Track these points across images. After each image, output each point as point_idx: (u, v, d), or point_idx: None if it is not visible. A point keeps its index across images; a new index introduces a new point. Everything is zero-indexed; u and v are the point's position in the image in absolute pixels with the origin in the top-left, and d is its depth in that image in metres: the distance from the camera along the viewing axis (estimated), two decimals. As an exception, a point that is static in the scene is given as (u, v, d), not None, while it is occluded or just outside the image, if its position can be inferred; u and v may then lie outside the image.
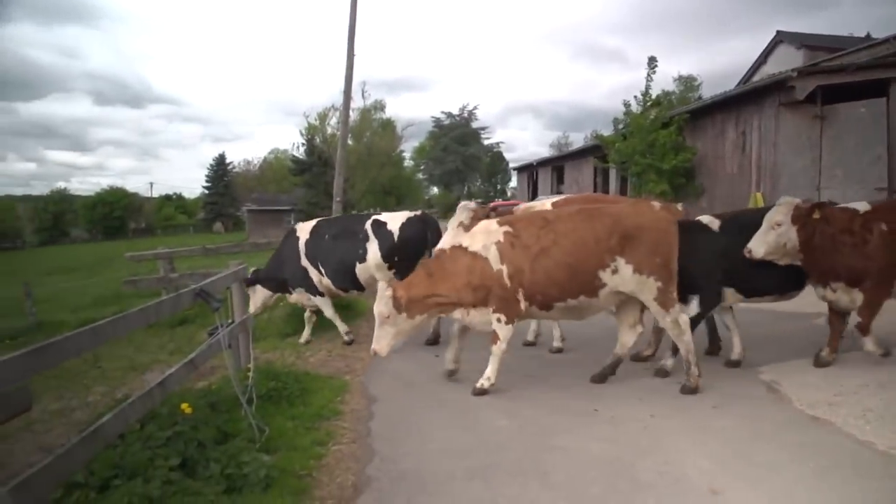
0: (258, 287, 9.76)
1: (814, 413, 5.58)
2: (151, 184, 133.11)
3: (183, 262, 17.48)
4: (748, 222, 6.92)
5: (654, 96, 23.95)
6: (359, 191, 55.48)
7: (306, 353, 9.04)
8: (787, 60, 28.37)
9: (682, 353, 6.51)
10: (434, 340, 8.87)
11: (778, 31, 34.40)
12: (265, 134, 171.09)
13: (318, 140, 55.40)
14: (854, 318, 6.74)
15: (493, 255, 6.56)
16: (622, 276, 6.46)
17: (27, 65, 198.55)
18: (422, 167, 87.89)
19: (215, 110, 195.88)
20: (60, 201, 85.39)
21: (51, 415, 7.36)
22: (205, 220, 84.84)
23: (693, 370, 6.39)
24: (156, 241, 45.84)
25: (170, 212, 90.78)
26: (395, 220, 9.14)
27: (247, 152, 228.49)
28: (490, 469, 4.81)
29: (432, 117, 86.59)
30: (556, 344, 8.34)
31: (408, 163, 79.84)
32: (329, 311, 9.60)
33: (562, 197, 10.27)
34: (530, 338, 8.71)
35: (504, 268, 6.52)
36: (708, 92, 42.97)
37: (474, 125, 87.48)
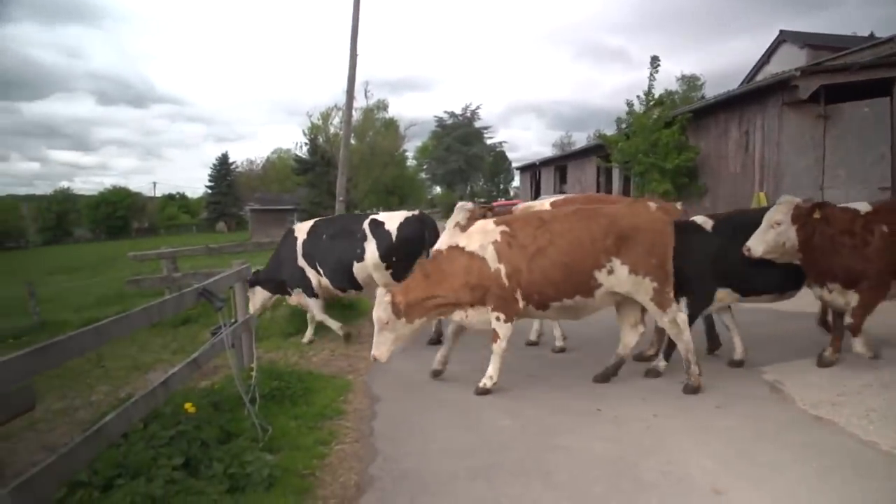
0: (257, 288, 9.77)
1: (817, 413, 5.57)
2: (154, 183, 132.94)
3: (186, 262, 17.51)
4: (742, 222, 6.97)
5: (656, 96, 23.91)
6: (362, 190, 55.49)
7: (309, 353, 9.05)
8: (791, 60, 28.30)
9: (682, 352, 6.51)
10: (437, 340, 8.86)
11: (781, 31, 34.33)
12: (268, 133, 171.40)
13: (320, 140, 55.43)
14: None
15: (490, 255, 6.58)
16: (618, 277, 6.48)
17: (30, 65, 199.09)
18: (424, 167, 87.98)
19: (218, 110, 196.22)
20: (64, 201, 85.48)
21: (54, 414, 7.37)
22: (208, 219, 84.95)
23: (693, 369, 6.39)
24: (159, 241, 45.96)
25: (173, 211, 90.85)
26: (392, 220, 9.15)
27: (250, 152, 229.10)
28: (493, 469, 4.81)
29: (435, 117, 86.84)
30: (559, 343, 8.34)
31: (410, 162, 79.88)
32: (319, 314, 9.64)
33: (560, 197, 10.28)
34: (533, 338, 8.72)
35: (502, 267, 6.54)
36: (711, 91, 42.98)
37: (477, 125, 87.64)
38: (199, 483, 4.21)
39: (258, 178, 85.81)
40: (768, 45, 35.08)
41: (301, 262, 9.51)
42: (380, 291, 6.65)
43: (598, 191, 30.49)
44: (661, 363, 7.01)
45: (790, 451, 4.82)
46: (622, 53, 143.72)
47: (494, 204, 25.76)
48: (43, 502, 3.23)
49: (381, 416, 6.19)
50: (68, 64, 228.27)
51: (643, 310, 6.81)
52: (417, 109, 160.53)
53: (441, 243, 7.02)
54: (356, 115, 47.14)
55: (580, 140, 77.38)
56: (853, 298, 6.46)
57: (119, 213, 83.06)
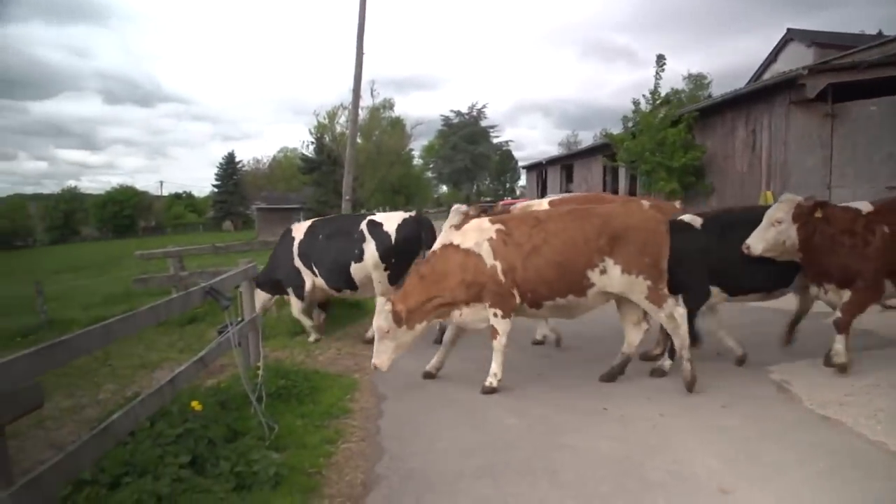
0: (257, 290, 9.79)
1: (824, 413, 5.55)
2: (161, 182, 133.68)
3: (193, 261, 17.52)
4: (731, 221, 7.01)
5: (663, 95, 23.86)
6: (368, 189, 55.50)
7: (315, 352, 9.06)
8: (798, 58, 28.24)
9: (676, 346, 6.54)
10: (442, 339, 8.89)
11: (788, 29, 34.25)
12: (274, 132, 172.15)
13: (327, 139, 55.45)
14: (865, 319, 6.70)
15: (485, 252, 6.63)
16: (610, 277, 6.50)
17: (37, 64, 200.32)
18: (431, 166, 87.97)
19: (225, 109, 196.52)
20: (71, 200, 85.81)
21: (62, 412, 7.39)
22: (214, 218, 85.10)
23: (686, 365, 6.39)
24: (165, 240, 46.01)
25: (179, 210, 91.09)
26: (391, 221, 9.18)
27: (256, 151, 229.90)
28: (499, 468, 4.82)
29: (441, 116, 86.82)
30: (538, 337, 8.63)
31: (417, 161, 79.86)
32: (296, 313, 9.74)
33: (559, 196, 10.29)
34: (539, 337, 8.72)
35: (498, 264, 6.59)
36: (718, 90, 42.89)
37: (483, 124, 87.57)
38: (205, 481, 4.22)
39: (264, 177, 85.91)
40: (775, 43, 35.03)
41: (297, 262, 9.54)
42: (380, 300, 6.67)
43: (604, 190, 30.43)
44: (666, 362, 7.00)
45: (797, 450, 4.81)
46: (628, 52, 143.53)
47: (501, 203, 25.76)
48: (50, 500, 3.25)
49: (388, 415, 6.20)
50: (75, 63, 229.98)
51: None
52: (423, 108, 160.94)
53: (437, 245, 7.06)
54: (362, 114, 47.22)
55: (586, 139, 77.32)
56: (847, 297, 6.39)
57: (126, 212, 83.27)
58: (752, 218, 6.73)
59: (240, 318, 6.54)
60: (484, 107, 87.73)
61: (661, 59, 23.01)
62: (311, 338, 9.75)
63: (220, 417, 5.23)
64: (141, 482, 3.97)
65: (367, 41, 19.32)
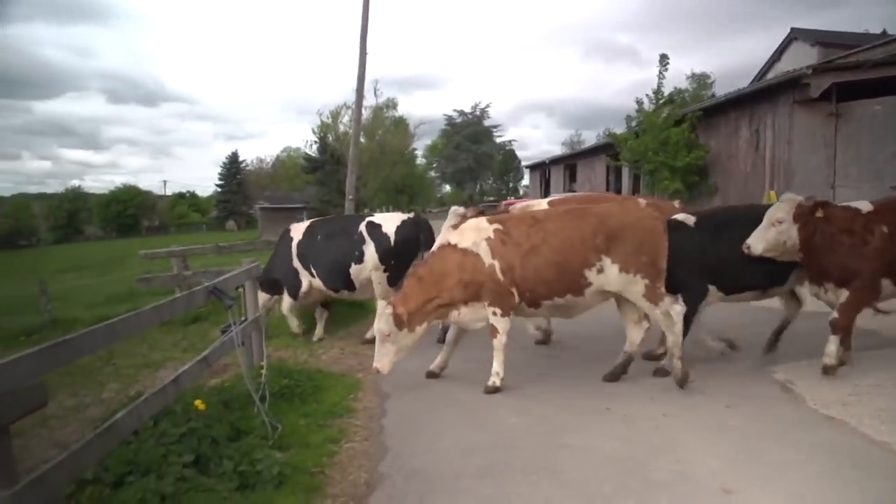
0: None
1: (828, 413, 5.54)
2: (165, 182, 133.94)
3: (196, 260, 17.54)
4: (725, 219, 7.04)
5: (666, 94, 23.84)
6: (371, 189, 55.47)
7: (319, 351, 9.07)
8: (802, 58, 28.18)
9: (669, 343, 6.55)
10: (444, 338, 8.90)
11: (792, 29, 34.22)
12: (278, 132, 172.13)
13: (330, 138, 55.39)
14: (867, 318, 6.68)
15: (483, 251, 6.65)
16: (608, 276, 6.52)
17: (41, 64, 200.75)
18: (434, 165, 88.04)
19: (228, 109, 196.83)
20: (75, 199, 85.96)
21: (66, 411, 7.41)
22: (218, 218, 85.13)
23: (676, 363, 6.41)
24: (169, 239, 46.12)
25: (183, 210, 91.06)
26: (390, 223, 9.19)
27: (259, 150, 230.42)
28: (502, 467, 4.81)
29: (444, 115, 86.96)
30: (532, 331, 8.69)
31: (420, 161, 79.84)
32: (285, 309, 9.78)
33: (560, 196, 10.29)
34: (541, 336, 8.71)
35: (496, 263, 6.60)
36: (721, 90, 42.69)
37: (486, 123, 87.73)
38: (209, 480, 4.23)
39: (268, 177, 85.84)
40: (779, 42, 35.01)
41: (296, 262, 9.56)
42: (380, 304, 6.67)
43: (607, 189, 30.41)
44: (668, 362, 6.99)
45: (800, 450, 4.80)
46: (632, 51, 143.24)
47: (504, 202, 25.74)
48: (54, 499, 3.25)
49: (391, 414, 6.20)
50: (79, 63, 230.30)
51: None
52: (427, 108, 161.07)
53: (435, 245, 7.09)
54: (366, 114, 47.06)
55: (590, 138, 77.27)
56: (844, 297, 6.34)
57: (129, 212, 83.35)
58: (746, 216, 6.77)
59: (243, 318, 6.55)
60: (487, 106, 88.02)
61: (664, 59, 23.04)
62: (315, 337, 9.76)
63: (224, 417, 5.23)
64: (144, 481, 3.98)
65: (370, 41, 19.33)
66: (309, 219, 10.91)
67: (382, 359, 6.61)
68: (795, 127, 17.16)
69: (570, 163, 40.70)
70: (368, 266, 9.01)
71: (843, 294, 6.32)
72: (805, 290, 7.10)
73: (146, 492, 3.87)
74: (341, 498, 4.50)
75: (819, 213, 6.29)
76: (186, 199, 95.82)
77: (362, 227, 9.18)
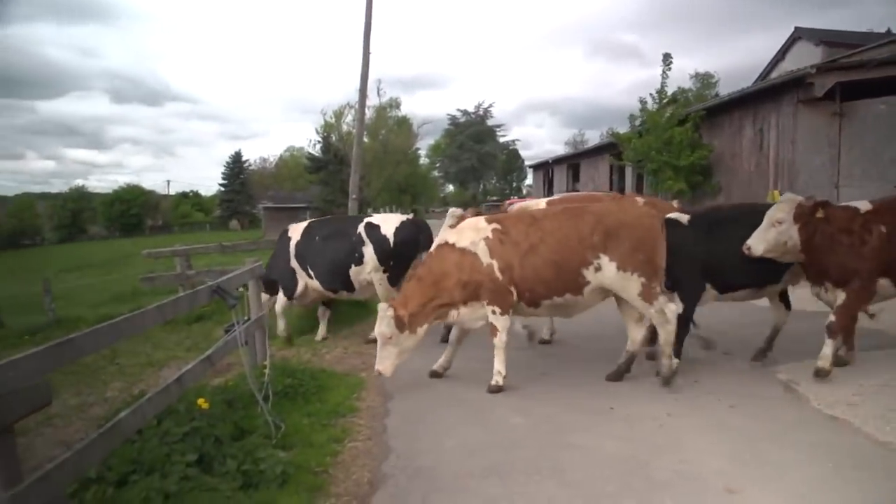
0: None
1: (832, 413, 5.54)
2: (168, 181, 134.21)
3: (200, 260, 17.59)
4: (719, 218, 7.09)
5: (669, 93, 23.79)
6: (374, 188, 55.39)
7: (322, 350, 9.08)
8: (806, 57, 28.13)
9: (661, 340, 6.58)
10: (447, 337, 8.90)
11: (796, 28, 34.16)
12: (281, 132, 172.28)
13: (333, 138, 55.33)
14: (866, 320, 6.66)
15: (481, 250, 6.66)
16: (605, 274, 6.52)
17: (45, 64, 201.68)
18: (437, 165, 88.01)
19: (232, 108, 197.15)
20: (79, 199, 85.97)
21: (70, 410, 7.43)
22: (221, 217, 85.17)
23: (666, 361, 6.47)
24: (172, 239, 46.19)
25: (186, 209, 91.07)
26: (388, 224, 9.20)
27: (263, 150, 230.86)
28: (505, 467, 4.81)
29: (448, 115, 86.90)
30: (521, 329, 8.64)
31: (423, 160, 79.74)
32: (278, 309, 9.73)
33: (559, 196, 10.30)
34: (545, 336, 8.71)
35: (494, 262, 6.61)
36: (725, 89, 42.74)
37: (490, 123, 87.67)
38: (212, 479, 4.23)
39: (271, 176, 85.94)
40: (783, 42, 34.96)
41: (293, 262, 9.56)
42: (381, 306, 6.67)
43: (610, 189, 30.38)
44: (673, 361, 6.97)
45: (804, 450, 4.80)
46: (635, 51, 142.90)
47: (507, 202, 25.75)
48: (59, 497, 3.26)
49: (394, 414, 6.20)
50: (83, 63, 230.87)
51: None
52: (430, 107, 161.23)
53: (433, 246, 7.11)
54: (369, 114, 47.07)
55: (593, 138, 77.29)
56: (840, 299, 6.32)
57: (133, 211, 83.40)
58: (740, 215, 6.82)
59: (246, 317, 6.56)
60: (490, 106, 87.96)
61: (667, 58, 22.96)
62: (318, 337, 9.78)
63: (227, 416, 5.24)
64: (148, 480, 3.98)
65: (373, 40, 19.24)
66: (311, 218, 10.92)
67: (384, 361, 6.61)
68: (799, 126, 17.11)
69: (573, 162, 40.67)
70: (368, 267, 9.02)
71: (840, 296, 6.29)
72: (800, 292, 7.10)
73: (150, 490, 3.88)
74: (345, 497, 4.50)
75: (819, 214, 6.25)
76: (190, 199, 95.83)
77: (361, 229, 9.18)
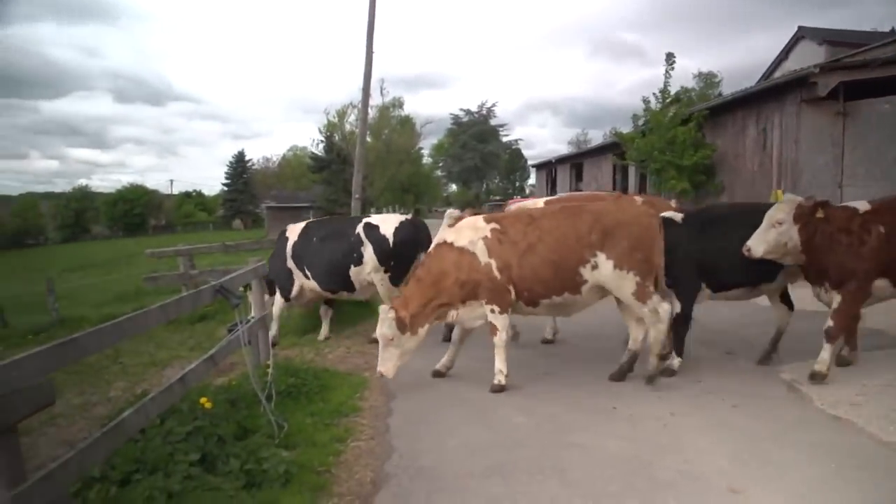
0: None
1: (835, 413, 5.52)
2: (171, 181, 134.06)
3: (203, 259, 17.64)
4: (712, 217, 7.12)
5: (673, 93, 23.74)
6: (377, 188, 55.41)
7: (325, 350, 9.08)
8: (809, 56, 28.07)
9: (651, 339, 6.61)
10: (450, 337, 8.90)
11: (800, 27, 34.05)
12: (284, 131, 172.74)
13: (336, 137, 55.35)
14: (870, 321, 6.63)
15: (480, 250, 6.68)
16: (602, 272, 6.55)
17: (49, 64, 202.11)
18: (440, 164, 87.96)
19: (235, 108, 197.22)
20: (82, 198, 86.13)
21: (73, 409, 7.45)
22: (224, 217, 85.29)
23: (652, 360, 6.54)
24: (176, 238, 46.26)
25: (189, 209, 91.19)
26: (388, 224, 9.22)
27: (266, 149, 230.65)
28: (508, 466, 4.81)
29: (451, 114, 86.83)
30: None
31: (426, 160, 79.68)
32: (275, 310, 9.72)
33: (556, 197, 10.29)
34: (548, 335, 8.71)
35: (493, 262, 6.63)
36: (728, 88, 42.63)
37: (493, 122, 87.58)
38: (215, 479, 4.24)
39: (274, 176, 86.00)
40: (787, 41, 34.84)
41: (290, 263, 9.57)
42: (382, 308, 6.67)
43: (613, 188, 30.33)
44: (675, 360, 6.98)
45: (807, 450, 4.79)
46: (638, 50, 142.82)
47: (510, 202, 25.73)
48: (62, 497, 3.26)
49: (397, 414, 6.20)
50: (86, 63, 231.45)
51: None
52: (433, 107, 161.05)
53: (432, 245, 7.14)
54: (372, 113, 47.11)
55: (596, 137, 77.16)
56: (836, 302, 6.26)
57: (136, 211, 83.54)
58: (733, 214, 6.86)
59: (249, 317, 6.57)
60: (493, 105, 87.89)
61: (670, 58, 22.91)
62: (321, 336, 9.79)
63: (230, 415, 5.25)
64: (151, 479, 3.99)
65: (376, 40, 19.26)
66: (314, 218, 10.94)
67: (387, 363, 6.62)
68: (803, 126, 17.07)
69: (576, 162, 40.59)
70: (368, 267, 9.03)
71: (836, 299, 6.25)
72: (800, 292, 7.09)
73: (153, 490, 3.89)
74: (347, 497, 4.51)
75: (820, 214, 6.21)
76: (193, 199, 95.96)
77: (360, 229, 9.20)
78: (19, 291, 20.91)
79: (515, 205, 9.83)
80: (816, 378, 6.23)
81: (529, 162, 79.58)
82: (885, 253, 6.12)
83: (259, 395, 5.41)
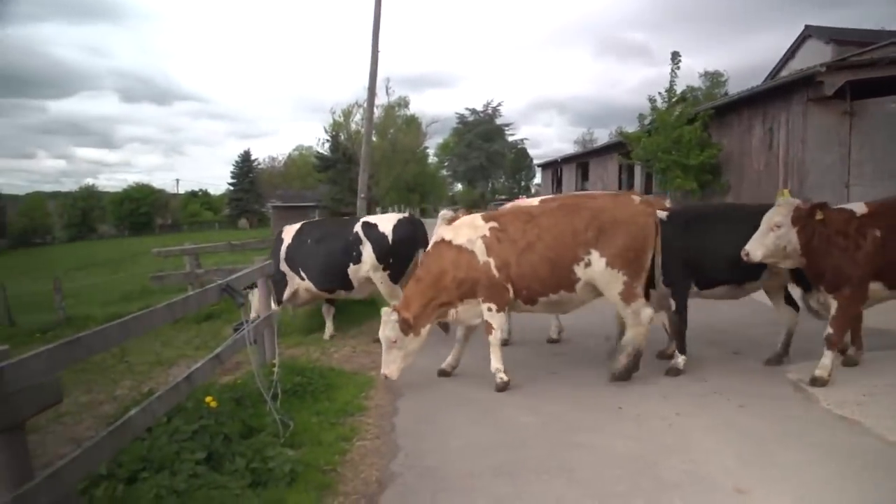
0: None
1: (841, 413, 5.51)
2: (178, 180, 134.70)
3: (209, 258, 17.68)
4: (696, 214, 7.22)
5: (678, 92, 23.71)
6: (383, 187, 55.44)
7: (331, 349, 9.09)
8: (816, 55, 27.98)
9: (627, 338, 6.65)
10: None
11: (806, 26, 33.95)
12: (290, 130, 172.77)
13: (342, 136, 55.35)
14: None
15: (478, 248, 6.70)
16: (594, 269, 6.58)
17: (55, 63, 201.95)
18: (446, 164, 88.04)
19: (241, 107, 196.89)
20: (89, 198, 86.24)
21: (80, 408, 7.47)
22: (230, 216, 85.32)
23: (623, 358, 6.60)
24: (182, 237, 46.30)
25: (195, 208, 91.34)
26: (386, 222, 9.25)
27: (272, 149, 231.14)
28: (514, 466, 4.81)
29: (456, 114, 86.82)
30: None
31: (432, 159, 79.80)
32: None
33: (552, 196, 10.30)
34: (554, 335, 8.70)
35: (491, 260, 6.65)
36: (735, 88, 42.46)
37: (498, 121, 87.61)
38: (221, 477, 4.25)
39: (280, 175, 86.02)
40: (793, 40, 34.76)
41: (283, 265, 9.58)
42: (385, 310, 6.68)
43: (619, 188, 30.31)
44: (679, 360, 6.96)
45: (814, 451, 4.78)
46: (644, 49, 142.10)
47: (516, 200, 25.71)
48: (69, 494, 3.28)
49: (403, 413, 6.21)
50: (93, 62, 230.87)
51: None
52: (439, 106, 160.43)
53: (430, 244, 7.15)
54: (378, 112, 47.04)
55: (602, 137, 76.99)
56: (833, 308, 6.23)
57: (143, 210, 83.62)
58: (717, 212, 7.01)
59: (256, 316, 6.58)
60: (499, 104, 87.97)
61: (676, 57, 22.89)
62: (326, 335, 9.81)
63: (236, 414, 5.26)
64: (158, 477, 4.01)
65: (382, 39, 19.34)
66: (321, 217, 10.94)
67: (390, 365, 6.63)
68: (809, 125, 17.02)
69: (582, 161, 40.56)
70: (366, 265, 9.05)
71: (832, 304, 6.22)
72: (798, 290, 7.08)
73: (159, 488, 3.90)
74: (353, 496, 4.51)
75: (819, 216, 6.15)
76: (199, 198, 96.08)
77: (358, 228, 9.22)
78: (27, 290, 20.97)
79: (510, 206, 9.83)
80: (818, 383, 6.20)
81: (535, 161, 79.48)
82: (879, 257, 6.08)
83: (265, 393, 5.42)
